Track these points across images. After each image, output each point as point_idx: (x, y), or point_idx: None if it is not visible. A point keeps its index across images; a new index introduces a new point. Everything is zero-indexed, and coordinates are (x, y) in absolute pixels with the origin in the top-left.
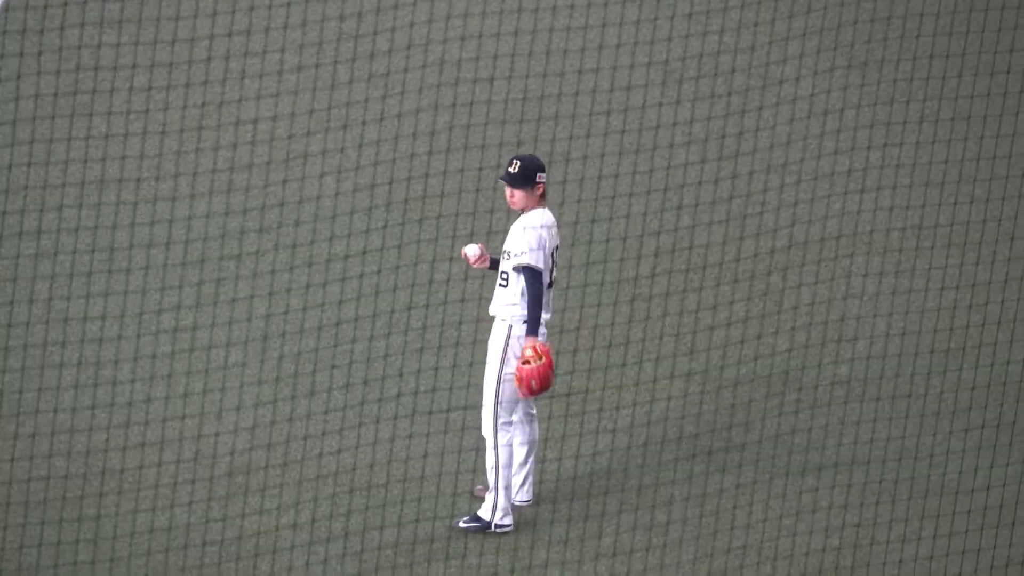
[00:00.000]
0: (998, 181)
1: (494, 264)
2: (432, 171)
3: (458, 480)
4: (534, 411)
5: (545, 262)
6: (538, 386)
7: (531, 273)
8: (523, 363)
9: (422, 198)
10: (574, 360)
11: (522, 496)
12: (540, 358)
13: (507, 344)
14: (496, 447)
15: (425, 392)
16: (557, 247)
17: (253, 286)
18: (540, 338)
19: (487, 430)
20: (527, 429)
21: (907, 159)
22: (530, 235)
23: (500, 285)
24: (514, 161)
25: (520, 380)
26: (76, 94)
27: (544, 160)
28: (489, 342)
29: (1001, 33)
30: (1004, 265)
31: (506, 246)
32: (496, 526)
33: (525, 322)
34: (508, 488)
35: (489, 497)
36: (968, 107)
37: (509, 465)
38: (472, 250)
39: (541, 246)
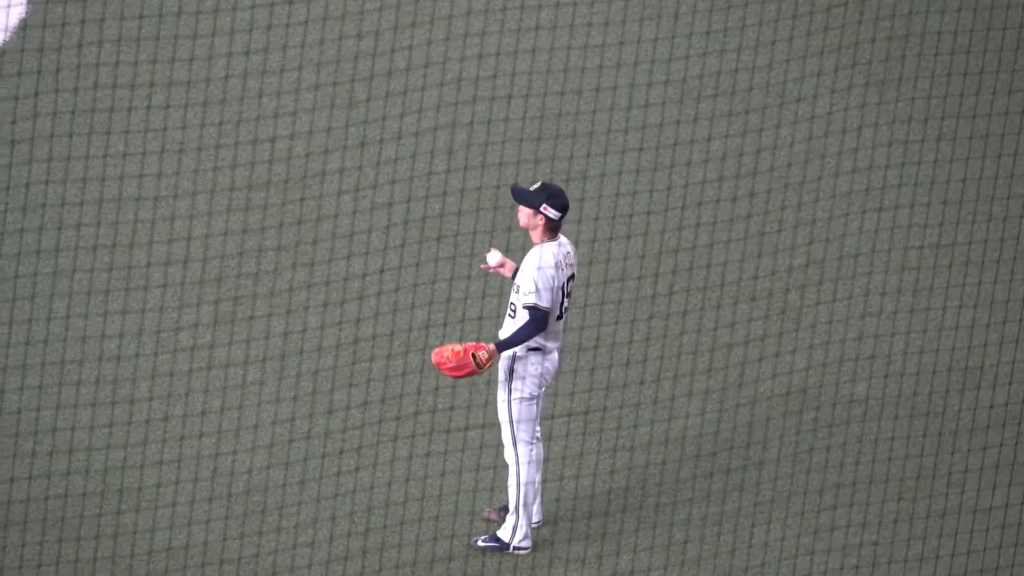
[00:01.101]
0: (1016, 199)
1: (516, 275)
2: (450, 189)
3: (476, 498)
4: (539, 433)
5: (554, 298)
6: (447, 367)
7: (536, 311)
8: (467, 351)
9: (440, 216)
10: (592, 378)
11: (532, 517)
12: (478, 365)
13: (511, 371)
14: (518, 466)
15: (443, 410)
16: (572, 277)
17: (271, 304)
18: (549, 365)
19: (508, 455)
20: (531, 449)
21: (924, 177)
22: (539, 275)
23: (509, 315)
24: (540, 182)
25: (441, 351)
26: (94, 112)
27: (562, 178)
28: (498, 366)
29: (1019, 52)
30: (1022, 283)
31: (517, 279)
32: (515, 548)
33: (530, 349)
34: (528, 507)
35: (509, 519)
36: (986, 125)
37: (532, 482)
38: (493, 258)
39: (548, 286)
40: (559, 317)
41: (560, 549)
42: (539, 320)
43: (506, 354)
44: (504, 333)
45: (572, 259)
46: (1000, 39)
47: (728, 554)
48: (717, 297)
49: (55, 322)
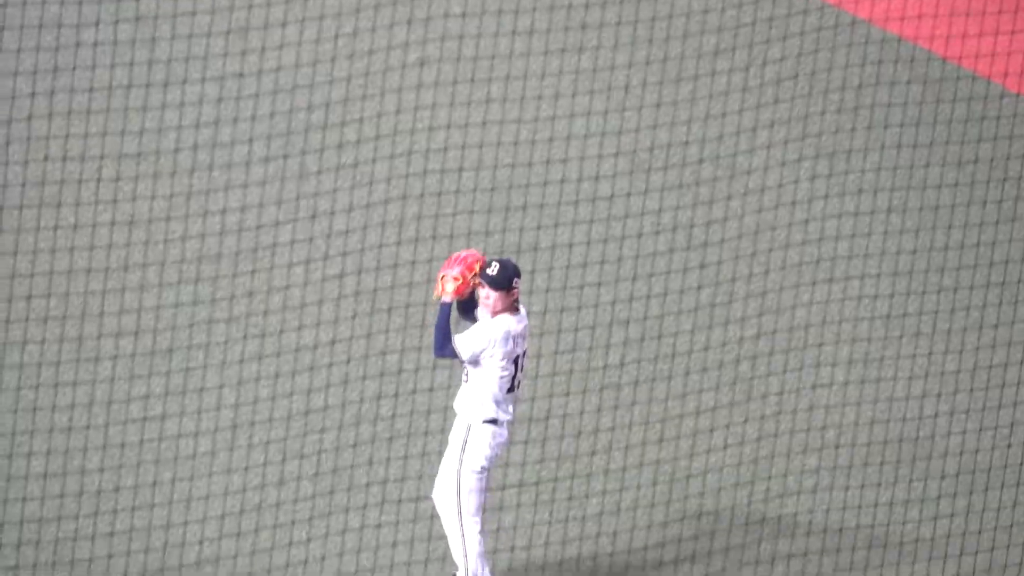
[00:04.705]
0: (966, 270)
1: (464, 307)
2: (400, 261)
3: (427, 569)
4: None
5: (507, 365)
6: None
7: (451, 350)
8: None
9: (391, 288)
10: (544, 449)
11: None
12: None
13: (465, 442)
14: (464, 538)
15: (395, 481)
16: (525, 352)
17: (222, 376)
18: (501, 439)
19: (451, 526)
20: (472, 520)
21: (875, 249)
22: (481, 338)
23: (463, 381)
24: (493, 264)
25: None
26: (44, 184)
27: (512, 250)
28: (450, 436)
29: (968, 124)
30: (973, 354)
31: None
32: None
33: (485, 422)
34: None
35: None
36: (936, 197)
37: (482, 555)
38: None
39: (483, 348)
40: (510, 390)
41: None
42: (443, 323)
43: (460, 430)
44: (459, 400)
45: (527, 331)
46: (950, 111)
47: None
48: (668, 368)
49: (6, 393)
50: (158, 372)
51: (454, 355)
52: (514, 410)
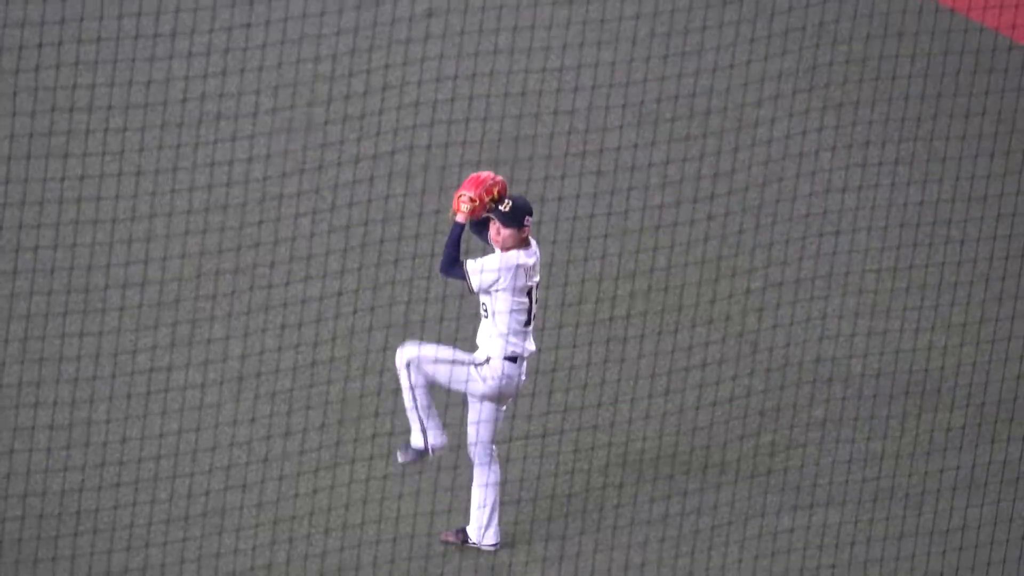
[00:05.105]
0: (973, 222)
1: (477, 227)
2: (407, 212)
3: (434, 520)
4: (495, 451)
5: (521, 298)
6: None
7: (459, 272)
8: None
9: (397, 239)
10: (550, 401)
11: (489, 539)
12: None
13: (482, 366)
14: (412, 393)
15: (400, 433)
16: (537, 284)
17: (228, 327)
18: (517, 380)
19: (399, 362)
20: (488, 470)
21: (882, 201)
22: (491, 270)
23: (483, 316)
24: (506, 201)
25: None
26: (51, 135)
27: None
28: (475, 355)
29: (977, 75)
30: (979, 307)
31: None
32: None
33: (506, 359)
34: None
35: (415, 429)
36: (943, 149)
37: (425, 405)
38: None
39: (492, 281)
40: (527, 323)
41: (518, 572)
42: (453, 243)
43: (480, 355)
44: (481, 335)
45: (538, 264)
46: (957, 63)
47: None
48: (675, 320)
49: (12, 344)
50: (165, 323)
51: (461, 277)
52: (532, 344)
